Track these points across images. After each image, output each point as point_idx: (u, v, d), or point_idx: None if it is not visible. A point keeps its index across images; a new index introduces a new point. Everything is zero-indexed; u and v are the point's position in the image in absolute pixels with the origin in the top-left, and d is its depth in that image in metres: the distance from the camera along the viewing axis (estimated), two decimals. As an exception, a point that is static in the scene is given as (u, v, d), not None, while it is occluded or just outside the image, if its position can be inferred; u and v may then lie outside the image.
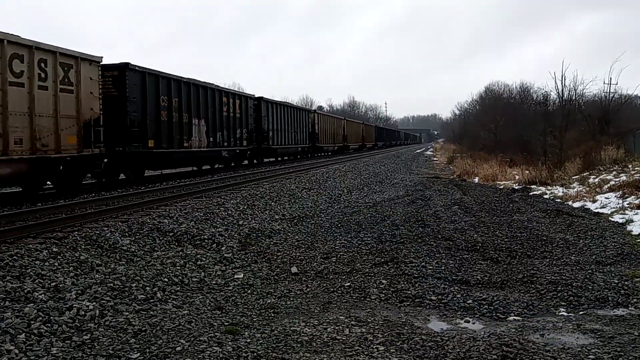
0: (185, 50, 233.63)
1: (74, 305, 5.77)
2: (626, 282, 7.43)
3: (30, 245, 7.65)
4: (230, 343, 5.17)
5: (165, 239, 9.39)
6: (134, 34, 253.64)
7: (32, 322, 5.26)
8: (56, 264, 7.10)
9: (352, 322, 5.87)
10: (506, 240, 10.31)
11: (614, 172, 19.29)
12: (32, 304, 5.66)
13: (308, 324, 5.80)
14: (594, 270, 8.11)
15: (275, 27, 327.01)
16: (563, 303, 6.79)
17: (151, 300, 6.55)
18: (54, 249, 7.59)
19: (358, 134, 63.74)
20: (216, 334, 5.44)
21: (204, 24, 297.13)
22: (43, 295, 5.98)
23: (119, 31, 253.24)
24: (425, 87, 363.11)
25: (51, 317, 5.42)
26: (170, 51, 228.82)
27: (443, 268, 8.31)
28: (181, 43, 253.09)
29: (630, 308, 6.55)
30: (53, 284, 6.36)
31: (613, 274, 7.85)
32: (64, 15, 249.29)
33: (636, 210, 12.97)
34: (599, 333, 5.53)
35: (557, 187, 19.09)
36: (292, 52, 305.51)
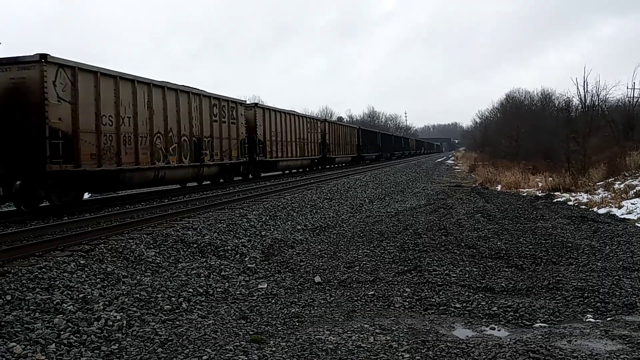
0: (211, 65, 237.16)
1: (102, 315, 5.87)
2: (655, 288, 7.30)
3: (59, 258, 7.81)
4: (255, 352, 5.20)
5: (189, 250, 9.50)
6: (161, 51, 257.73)
7: (62, 332, 5.37)
8: (84, 275, 7.23)
9: (377, 330, 5.86)
10: (530, 247, 10.22)
11: (640, 178, 19.00)
12: (61, 315, 5.78)
13: (333, 333, 5.81)
14: (621, 276, 7.99)
15: (299, 40, 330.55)
16: (590, 309, 6.71)
17: (177, 311, 6.63)
18: (81, 261, 7.73)
19: (311, 141, 36.79)
20: (242, 343, 5.48)
21: (229, 39, 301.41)
22: (72, 306, 6.09)
23: (146, 49, 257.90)
24: (447, 96, 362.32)
25: (80, 328, 5.52)
26: (196, 66, 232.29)
27: (467, 276, 8.26)
28: (207, 58, 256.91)
29: (659, 314, 6.44)
30: (81, 295, 6.48)
31: (641, 280, 7.73)
32: (94, 35, 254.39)
33: (663, 216, 12.75)
34: (627, 339, 5.45)
35: (582, 193, 18.85)
36: (314, 64, 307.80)
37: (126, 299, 6.54)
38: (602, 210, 15.23)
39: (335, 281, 8.22)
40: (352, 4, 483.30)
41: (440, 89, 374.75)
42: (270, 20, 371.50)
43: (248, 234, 11.23)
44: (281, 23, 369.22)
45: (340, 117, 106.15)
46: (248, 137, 25.41)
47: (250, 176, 27.17)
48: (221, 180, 23.47)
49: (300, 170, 36.34)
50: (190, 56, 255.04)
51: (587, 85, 31.99)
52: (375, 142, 63.08)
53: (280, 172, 32.61)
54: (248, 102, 27.43)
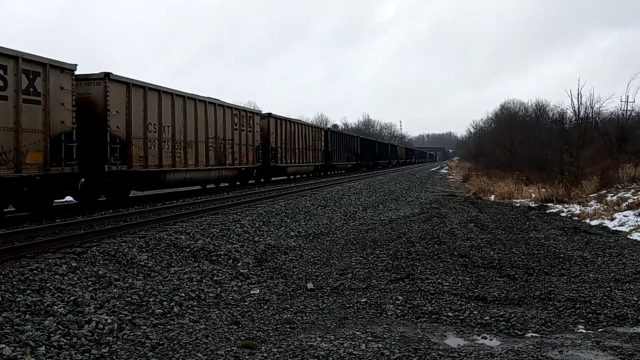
0: (212, 70, 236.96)
1: (93, 318, 5.84)
2: (646, 300, 7.32)
3: (50, 260, 7.76)
4: (247, 357, 5.19)
5: (182, 254, 9.46)
6: (163, 55, 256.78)
7: (52, 334, 5.32)
8: (75, 278, 7.18)
9: (369, 338, 5.86)
10: (523, 257, 10.24)
11: (632, 190, 19.07)
12: (51, 317, 5.74)
13: (324, 339, 5.80)
14: (613, 287, 8.02)
15: (298, 46, 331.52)
16: (581, 320, 6.73)
17: (168, 315, 6.60)
18: (73, 264, 7.69)
19: (241, 142, 25.22)
20: (233, 348, 5.46)
21: (230, 44, 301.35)
22: (62, 308, 6.05)
23: (149, 53, 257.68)
24: (443, 106, 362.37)
25: (70, 330, 5.48)
26: (197, 71, 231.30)
27: (459, 285, 8.27)
28: (208, 63, 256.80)
29: (650, 326, 6.46)
30: (72, 297, 6.44)
31: (632, 292, 7.76)
32: (94, 40, 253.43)
33: (655, 228, 12.81)
34: (618, 350, 5.46)
35: (574, 205, 18.92)
36: (314, 71, 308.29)
37: (117, 303, 6.51)
38: (594, 222, 15.29)
39: (328, 288, 8.21)
40: (353, 11, 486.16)
41: (437, 99, 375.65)
42: (271, 26, 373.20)
43: (241, 239, 11.21)
44: (282, 29, 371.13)
45: (335, 124, 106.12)
46: (83, 130, 14.06)
47: (104, 198, 16.36)
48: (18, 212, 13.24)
49: (222, 185, 25.34)
50: (192, 60, 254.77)
51: (581, 97, 32.13)
52: (352, 148, 52.77)
53: (180, 189, 22.15)
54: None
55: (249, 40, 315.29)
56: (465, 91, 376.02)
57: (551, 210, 18.46)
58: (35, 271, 7.10)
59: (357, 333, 6.04)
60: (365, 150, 59.37)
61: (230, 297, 7.63)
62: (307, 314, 6.92)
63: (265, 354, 5.30)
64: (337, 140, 46.02)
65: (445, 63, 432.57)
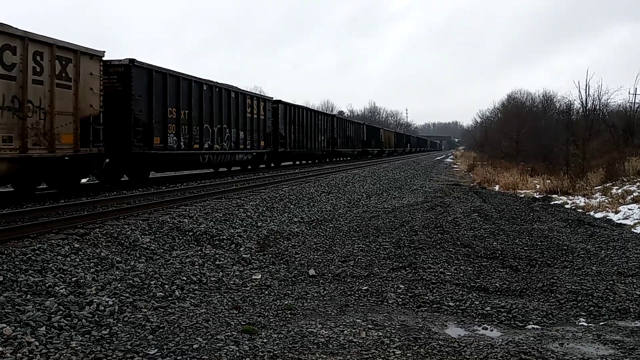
0: (223, 56, 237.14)
1: (94, 300, 5.85)
2: (649, 294, 7.29)
3: (53, 241, 7.76)
4: (247, 342, 5.19)
5: (184, 238, 9.47)
6: (175, 40, 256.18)
7: (53, 315, 5.34)
8: (77, 259, 7.19)
9: (369, 326, 5.86)
10: (526, 248, 10.20)
11: (638, 183, 18.97)
12: (53, 298, 5.75)
13: (325, 326, 5.80)
14: (616, 281, 7.98)
15: (311, 35, 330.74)
16: (583, 313, 6.70)
17: (169, 298, 6.61)
18: (76, 245, 7.69)
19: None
20: (233, 333, 5.46)
21: (242, 30, 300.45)
22: (64, 289, 6.06)
23: (160, 37, 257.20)
24: (453, 97, 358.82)
25: (71, 312, 5.50)
26: (208, 56, 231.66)
27: (461, 274, 8.25)
28: (219, 48, 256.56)
29: (652, 320, 6.43)
30: (74, 279, 6.45)
31: (635, 286, 7.72)
32: (105, 22, 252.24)
33: (660, 222, 12.73)
34: (619, 344, 5.44)
35: (579, 197, 18.84)
36: (325, 59, 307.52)
37: (119, 285, 6.52)
38: (598, 215, 15.23)
39: (330, 275, 8.20)
40: (366, 0, 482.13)
41: (447, 90, 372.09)
42: (284, 14, 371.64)
43: (244, 224, 11.20)
44: (294, 17, 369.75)
45: (341, 111, 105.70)
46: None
47: None
48: None
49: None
50: (203, 46, 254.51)
51: (589, 88, 31.85)
52: (293, 124, 31.69)
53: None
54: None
55: (260, 28, 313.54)
56: (475, 83, 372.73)
57: (555, 202, 18.40)
58: (37, 251, 7.10)
59: (358, 321, 6.04)
60: (314, 131, 36.72)
61: (232, 282, 7.63)
62: (308, 301, 6.91)
63: (265, 340, 5.30)
64: (221, 101, 22.16)
65: (457, 55, 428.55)
